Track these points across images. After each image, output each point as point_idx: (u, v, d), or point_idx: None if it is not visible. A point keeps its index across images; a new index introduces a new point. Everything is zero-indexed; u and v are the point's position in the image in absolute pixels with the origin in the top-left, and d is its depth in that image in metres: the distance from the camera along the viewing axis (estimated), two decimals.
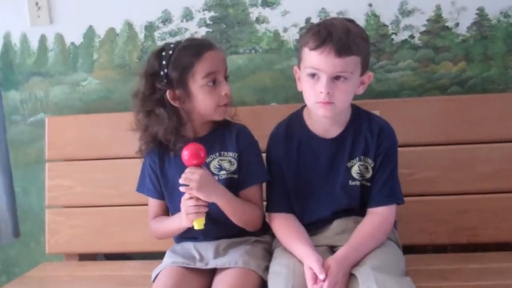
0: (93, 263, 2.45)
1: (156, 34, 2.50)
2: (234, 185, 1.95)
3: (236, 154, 1.97)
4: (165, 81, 1.90)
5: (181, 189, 1.82)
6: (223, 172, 1.96)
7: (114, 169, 2.42)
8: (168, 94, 1.89)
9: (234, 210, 1.90)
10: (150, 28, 2.50)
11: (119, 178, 2.40)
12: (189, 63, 1.88)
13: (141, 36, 2.51)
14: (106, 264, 2.48)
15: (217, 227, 1.92)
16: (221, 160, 1.97)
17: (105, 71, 2.55)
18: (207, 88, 1.89)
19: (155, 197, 2.04)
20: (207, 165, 1.93)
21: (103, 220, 2.42)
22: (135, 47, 2.52)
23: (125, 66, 2.53)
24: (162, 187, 2.01)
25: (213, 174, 1.93)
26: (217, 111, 1.93)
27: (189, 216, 1.81)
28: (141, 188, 2.07)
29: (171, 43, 1.95)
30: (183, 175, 1.80)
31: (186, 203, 1.82)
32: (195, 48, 1.90)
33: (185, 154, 1.81)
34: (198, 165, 1.82)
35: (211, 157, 1.96)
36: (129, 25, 2.50)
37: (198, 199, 1.80)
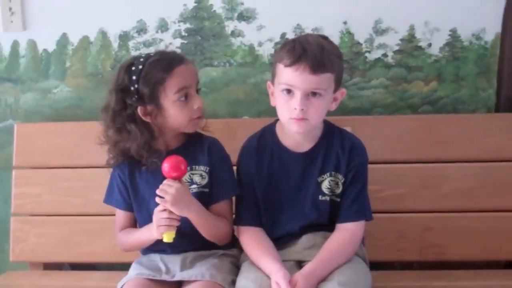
0: (58, 273, 2.41)
1: (131, 43, 2.48)
2: (205, 199, 1.94)
3: (208, 168, 1.96)
4: (136, 96, 1.87)
5: (157, 200, 1.80)
6: (194, 186, 1.94)
7: (82, 178, 2.39)
8: (139, 110, 1.87)
9: (206, 225, 1.89)
10: (124, 37, 2.48)
11: (87, 187, 2.37)
12: (160, 79, 1.85)
13: (115, 45, 2.50)
14: (71, 274, 2.44)
15: (185, 240, 1.91)
16: (192, 174, 1.95)
17: (77, 79, 2.53)
18: (179, 103, 1.87)
19: (123, 209, 2.02)
20: None
21: (69, 229, 2.39)
22: (108, 56, 2.50)
23: (97, 75, 2.52)
24: (132, 198, 1.99)
25: None
26: (190, 124, 1.92)
27: (160, 228, 1.80)
28: (109, 199, 2.05)
29: (140, 57, 1.91)
30: (160, 186, 1.79)
31: (158, 215, 1.80)
32: (166, 63, 1.87)
33: (166, 166, 1.79)
34: (178, 178, 1.80)
35: None
36: (103, 34, 2.49)
37: (171, 212, 1.79)
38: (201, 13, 2.44)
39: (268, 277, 1.79)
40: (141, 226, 1.99)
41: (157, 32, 2.47)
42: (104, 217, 2.31)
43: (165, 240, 1.80)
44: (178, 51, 2.44)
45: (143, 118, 1.88)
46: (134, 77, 1.86)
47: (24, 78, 2.54)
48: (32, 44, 2.52)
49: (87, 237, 2.37)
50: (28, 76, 2.54)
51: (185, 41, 2.46)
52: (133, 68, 1.87)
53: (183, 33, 2.46)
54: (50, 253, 2.40)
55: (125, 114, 1.88)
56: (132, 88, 1.86)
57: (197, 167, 1.96)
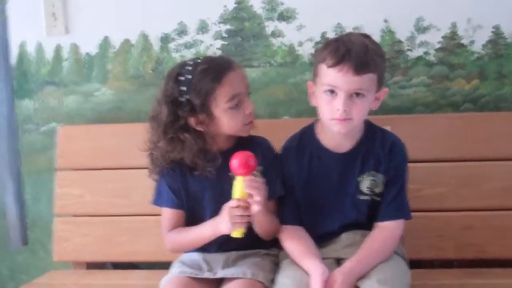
0: (101, 272, 2.44)
1: (171, 45, 2.50)
2: None
3: (261, 168, 1.94)
4: (187, 107, 1.86)
5: (237, 199, 1.78)
6: None
7: (124, 179, 2.42)
8: (192, 120, 1.86)
9: (267, 220, 1.89)
10: (165, 39, 2.51)
11: (129, 188, 2.40)
12: (211, 89, 1.83)
13: (156, 47, 2.52)
14: (113, 273, 2.47)
15: (229, 239, 1.88)
16: None
17: (119, 81, 2.56)
18: (230, 110, 1.86)
19: (175, 207, 1.99)
20: (232, 177, 1.91)
21: (111, 229, 2.41)
22: (149, 58, 2.53)
23: (139, 77, 2.54)
24: (184, 198, 1.98)
25: None
26: (243, 129, 1.92)
27: (235, 224, 1.78)
28: (159, 200, 2.02)
29: (187, 64, 1.88)
30: (245, 184, 1.76)
31: (232, 212, 1.78)
32: (215, 72, 1.85)
33: (235, 162, 1.77)
34: (248, 174, 1.78)
35: None
36: (144, 37, 2.51)
37: (245, 208, 1.78)
38: (241, 14, 2.45)
39: (308, 275, 1.78)
40: (196, 223, 1.96)
41: (197, 33, 2.48)
42: (146, 217, 2.35)
43: (235, 235, 1.80)
44: (219, 52, 2.46)
45: (196, 127, 1.87)
46: (183, 88, 1.85)
47: (67, 82, 2.59)
48: (75, 48, 2.56)
49: (129, 237, 2.39)
50: (71, 79, 2.58)
51: (226, 42, 2.47)
52: (182, 78, 1.86)
53: (224, 34, 2.47)
54: (93, 252, 2.43)
55: (177, 125, 1.87)
56: (182, 100, 1.85)
57: None
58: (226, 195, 1.85)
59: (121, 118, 2.55)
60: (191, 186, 1.97)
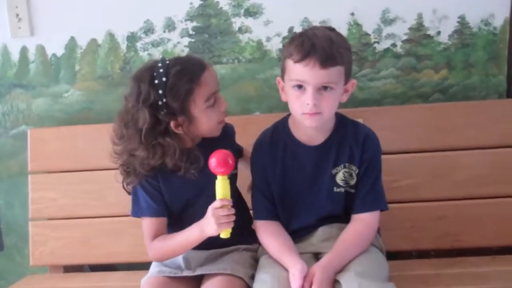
0: (78, 275, 2.44)
1: (139, 44, 2.49)
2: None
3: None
4: (165, 110, 1.81)
5: (221, 199, 1.76)
6: None
7: (98, 180, 2.40)
8: (172, 124, 1.83)
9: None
10: (132, 38, 2.49)
11: (103, 189, 2.39)
12: (189, 90, 1.80)
13: (123, 46, 2.50)
14: (91, 275, 2.46)
15: (211, 237, 1.86)
16: None
17: (87, 82, 2.54)
18: (208, 110, 1.84)
19: (157, 215, 1.93)
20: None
21: (87, 231, 2.41)
22: (117, 57, 2.51)
23: (107, 77, 2.53)
24: (168, 201, 1.94)
25: None
26: (217, 128, 1.91)
27: (221, 225, 1.75)
28: (138, 211, 1.95)
29: (157, 67, 1.82)
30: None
31: (217, 212, 1.75)
32: (191, 72, 1.81)
33: (213, 161, 1.75)
34: (226, 173, 1.76)
35: None
36: (111, 36, 2.50)
37: (230, 208, 1.76)
38: (208, 11, 2.45)
39: (286, 270, 1.79)
40: (181, 227, 1.92)
41: (164, 31, 2.48)
42: (121, 218, 2.35)
43: (223, 236, 1.77)
44: (187, 50, 2.46)
45: (175, 130, 1.84)
46: (160, 91, 1.79)
47: (35, 84, 2.56)
48: (41, 49, 2.53)
49: (105, 238, 2.39)
50: (39, 81, 2.55)
51: (193, 40, 2.47)
52: (156, 81, 1.80)
53: (191, 32, 2.46)
54: (70, 255, 2.42)
55: (158, 130, 1.82)
56: (160, 103, 1.80)
57: None
58: (210, 190, 1.84)
59: (91, 118, 2.53)
60: (173, 187, 1.93)
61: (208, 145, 1.90)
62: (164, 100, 1.80)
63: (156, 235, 1.92)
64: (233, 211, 1.76)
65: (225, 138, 1.98)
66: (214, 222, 1.75)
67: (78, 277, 2.40)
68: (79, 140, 2.44)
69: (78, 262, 2.46)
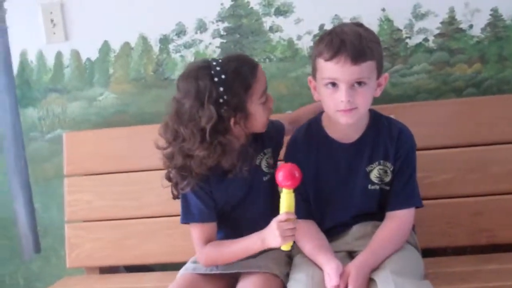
0: (114, 276, 2.46)
1: (171, 46, 2.51)
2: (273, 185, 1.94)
3: (270, 150, 1.99)
4: (225, 107, 1.80)
5: (286, 212, 1.73)
6: (272, 170, 1.97)
7: (132, 182, 2.42)
8: (232, 121, 1.82)
9: None
10: (164, 41, 2.51)
11: (137, 191, 2.41)
12: (248, 86, 1.81)
13: (156, 49, 2.52)
14: (126, 276, 2.49)
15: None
16: (267, 158, 1.98)
17: (121, 85, 2.56)
18: (262, 106, 1.86)
19: (210, 221, 1.93)
20: (258, 166, 1.94)
21: (122, 232, 2.42)
22: (150, 60, 2.53)
23: (140, 80, 2.55)
24: (220, 204, 1.94)
25: (266, 173, 1.95)
26: (266, 123, 1.91)
27: (286, 238, 1.73)
28: (189, 217, 1.93)
29: (213, 65, 1.82)
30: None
31: (282, 226, 1.72)
32: (247, 70, 1.83)
33: (280, 175, 1.72)
34: (293, 187, 1.73)
35: (259, 158, 1.96)
36: (143, 39, 2.52)
37: (294, 221, 1.73)
38: (238, 11, 2.45)
39: (321, 269, 1.78)
40: (229, 227, 1.95)
41: (196, 33, 2.49)
42: (156, 218, 2.37)
43: (284, 248, 1.76)
44: (218, 50, 2.47)
45: (233, 128, 1.83)
46: (221, 88, 1.79)
47: (70, 88, 2.59)
48: (75, 54, 2.57)
49: (140, 239, 2.40)
50: (73, 85, 2.58)
51: (224, 40, 2.48)
52: (216, 78, 1.80)
53: (222, 32, 2.47)
54: (105, 257, 2.44)
55: (220, 128, 1.81)
56: (221, 100, 1.80)
57: (267, 149, 1.98)
58: (257, 187, 1.91)
59: (125, 121, 2.55)
60: (226, 188, 1.92)
61: (258, 141, 1.94)
62: (225, 97, 1.79)
63: (208, 240, 1.91)
64: (297, 223, 1.74)
65: (274, 134, 2.01)
66: (278, 235, 1.72)
67: (114, 278, 2.42)
68: (114, 142, 2.46)
69: (114, 264, 2.47)
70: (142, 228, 2.41)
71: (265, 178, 1.97)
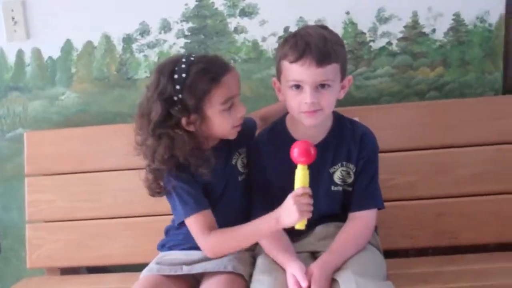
0: (75, 277, 2.43)
1: (134, 46, 2.48)
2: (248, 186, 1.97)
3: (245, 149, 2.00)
4: (179, 106, 1.80)
5: (302, 187, 1.73)
6: (247, 170, 1.98)
7: (94, 182, 2.40)
8: (183, 120, 1.81)
9: None
10: (128, 40, 2.48)
11: (99, 191, 2.39)
12: (207, 90, 1.79)
13: (119, 48, 2.49)
14: (87, 277, 2.46)
15: None
16: (242, 158, 1.98)
17: (83, 84, 2.53)
18: (223, 112, 1.83)
19: (207, 207, 1.88)
20: (234, 166, 1.95)
21: (84, 233, 2.40)
22: (113, 59, 2.51)
23: (103, 79, 2.52)
24: (214, 193, 1.93)
25: (241, 173, 1.96)
26: (231, 132, 1.89)
27: (304, 213, 1.70)
28: (187, 212, 1.87)
29: (180, 62, 1.82)
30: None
31: (300, 200, 1.71)
32: (213, 73, 1.80)
33: (295, 151, 1.74)
34: (307, 163, 1.74)
35: (235, 158, 1.97)
36: (106, 38, 2.49)
37: (310, 196, 1.73)
38: (203, 12, 2.44)
39: (284, 270, 1.79)
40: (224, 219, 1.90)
41: (160, 33, 2.47)
42: (117, 219, 2.35)
43: (298, 227, 1.74)
44: (182, 51, 2.45)
45: (186, 127, 1.82)
46: (178, 87, 1.78)
47: (31, 87, 2.55)
48: (37, 52, 2.53)
49: (101, 240, 2.38)
50: (35, 84, 2.54)
51: (189, 41, 2.46)
52: (176, 76, 1.79)
53: (186, 33, 2.46)
54: (66, 258, 2.41)
55: (168, 124, 1.81)
56: (175, 98, 1.79)
57: (241, 149, 1.99)
58: (236, 190, 1.94)
59: (87, 120, 2.52)
60: (206, 187, 1.92)
61: (232, 141, 1.93)
62: (180, 96, 1.79)
63: (211, 228, 1.87)
64: (312, 200, 1.73)
65: (249, 133, 2.01)
66: (296, 210, 1.70)
67: (75, 279, 2.39)
68: (75, 142, 2.43)
69: (75, 264, 2.45)
70: (104, 229, 2.38)
71: (240, 178, 1.97)
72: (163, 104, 1.79)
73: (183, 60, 1.82)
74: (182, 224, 1.91)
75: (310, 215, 1.73)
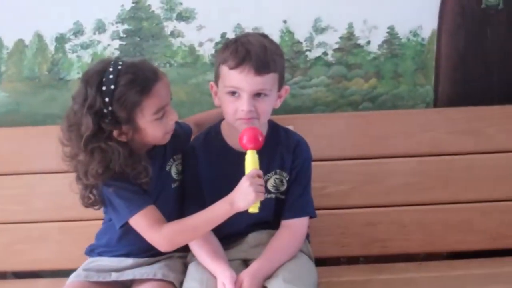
0: (2, 282, 2.37)
1: (68, 46, 2.43)
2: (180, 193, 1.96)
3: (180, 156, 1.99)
4: (109, 118, 1.73)
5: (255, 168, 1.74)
6: (181, 176, 1.97)
7: (23, 185, 2.33)
8: (115, 132, 1.76)
9: None
10: (61, 40, 2.43)
11: (28, 194, 2.32)
12: (138, 101, 1.73)
13: (52, 48, 2.44)
14: (15, 282, 2.40)
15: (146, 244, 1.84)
16: (177, 165, 1.97)
17: (13, 83, 2.47)
18: (156, 121, 1.79)
19: (150, 202, 1.83)
20: (168, 173, 1.93)
21: (11, 237, 2.32)
22: (45, 59, 2.45)
23: (34, 79, 2.46)
24: (159, 186, 1.90)
25: (175, 180, 1.94)
26: (164, 138, 1.86)
27: (259, 194, 1.70)
28: (133, 209, 1.81)
29: (108, 71, 1.74)
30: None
31: (255, 181, 1.71)
32: (142, 84, 1.74)
33: (244, 138, 1.76)
34: (258, 148, 1.77)
35: (169, 164, 1.95)
36: (39, 37, 2.43)
37: (262, 178, 1.74)
38: (139, 14, 2.41)
39: (215, 278, 1.79)
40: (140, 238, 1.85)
41: (94, 33, 2.43)
42: (47, 223, 2.29)
43: (252, 210, 1.73)
44: (117, 52, 2.42)
45: (119, 138, 1.77)
46: (107, 99, 1.72)
47: None
48: None
49: (29, 245, 2.31)
50: None
51: (124, 43, 2.43)
52: (104, 87, 1.72)
53: (121, 34, 2.42)
54: None
55: (100, 137, 1.75)
56: (105, 111, 1.73)
57: (176, 156, 1.97)
58: (169, 197, 1.92)
59: (16, 121, 2.45)
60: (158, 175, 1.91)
61: (167, 147, 1.93)
62: (110, 108, 1.72)
63: (161, 221, 1.81)
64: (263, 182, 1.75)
65: (184, 138, 2.01)
66: (252, 191, 1.70)
67: (1, 285, 2.33)
68: (4, 143, 2.36)
69: (2, 269, 2.38)
70: (32, 233, 2.32)
71: (173, 185, 1.95)
72: (94, 118, 1.73)
73: (110, 69, 1.75)
74: (122, 227, 1.85)
75: (264, 196, 1.74)
